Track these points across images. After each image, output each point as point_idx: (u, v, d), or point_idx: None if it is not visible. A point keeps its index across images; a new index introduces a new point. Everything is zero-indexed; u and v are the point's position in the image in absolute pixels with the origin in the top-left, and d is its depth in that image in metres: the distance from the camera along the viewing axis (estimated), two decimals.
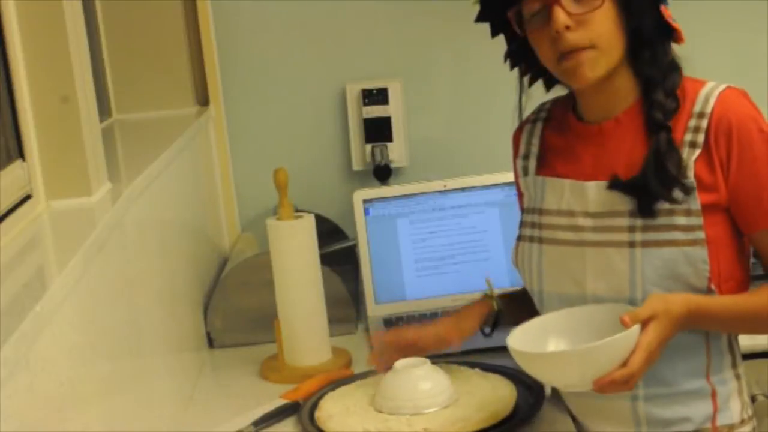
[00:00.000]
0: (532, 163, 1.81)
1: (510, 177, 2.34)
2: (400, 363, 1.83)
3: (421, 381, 1.80)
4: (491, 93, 2.72)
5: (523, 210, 1.85)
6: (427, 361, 1.84)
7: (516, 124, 1.85)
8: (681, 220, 1.62)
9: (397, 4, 2.70)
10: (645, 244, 1.64)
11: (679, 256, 1.63)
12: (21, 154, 1.58)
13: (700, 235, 1.62)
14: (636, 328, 1.54)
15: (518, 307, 1.88)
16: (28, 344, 1.13)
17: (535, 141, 1.81)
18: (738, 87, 1.67)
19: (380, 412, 1.79)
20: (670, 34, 1.65)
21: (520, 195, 1.87)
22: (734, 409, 1.70)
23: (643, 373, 1.56)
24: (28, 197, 1.56)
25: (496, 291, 1.93)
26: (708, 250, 1.62)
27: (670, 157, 1.62)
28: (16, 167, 1.55)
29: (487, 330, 1.90)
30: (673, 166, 1.62)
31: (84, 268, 1.37)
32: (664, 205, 1.63)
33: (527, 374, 1.77)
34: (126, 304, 1.64)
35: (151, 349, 1.78)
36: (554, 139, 1.79)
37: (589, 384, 1.54)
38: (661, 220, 1.63)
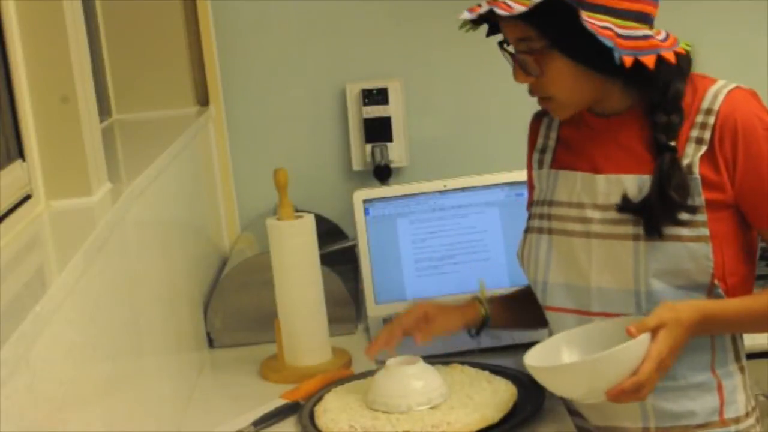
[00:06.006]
0: (548, 157, 1.82)
1: (510, 177, 2.37)
2: (392, 361, 1.84)
3: (413, 379, 1.80)
4: (491, 93, 2.72)
5: (531, 202, 1.86)
6: (420, 359, 1.84)
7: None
8: (685, 216, 1.64)
9: (397, 4, 2.70)
10: (650, 237, 1.66)
11: (683, 252, 1.64)
12: (21, 154, 1.58)
13: (704, 231, 1.64)
14: (644, 337, 1.55)
15: (507, 310, 1.93)
16: (28, 344, 1.13)
17: (553, 135, 1.83)
18: (747, 87, 1.68)
19: (374, 410, 1.79)
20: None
21: (531, 188, 1.88)
22: (740, 402, 1.72)
23: (655, 382, 1.57)
24: (28, 197, 1.56)
25: (488, 293, 1.95)
26: (712, 246, 1.64)
27: (674, 180, 1.63)
28: (16, 167, 1.55)
29: (473, 332, 1.93)
30: (676, 191, 1.63)
31: (84, 268, 1.37)
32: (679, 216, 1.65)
33: (528, 375, 1.78)
34: (126, 304, 1.64)
35: (151, 349, 1.78)
36: (569, 131, 1.80)
37: (602, 395, 1.55)
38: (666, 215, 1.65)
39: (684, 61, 1.67)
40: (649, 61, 1.60)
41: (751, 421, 1.73)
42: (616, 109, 1.71)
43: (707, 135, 1.64)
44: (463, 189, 2.38)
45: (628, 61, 1.58)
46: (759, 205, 1.65)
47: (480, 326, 1.93)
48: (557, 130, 1.82)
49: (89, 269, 1.40)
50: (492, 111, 2.73)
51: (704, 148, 1.64)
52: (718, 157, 1.63)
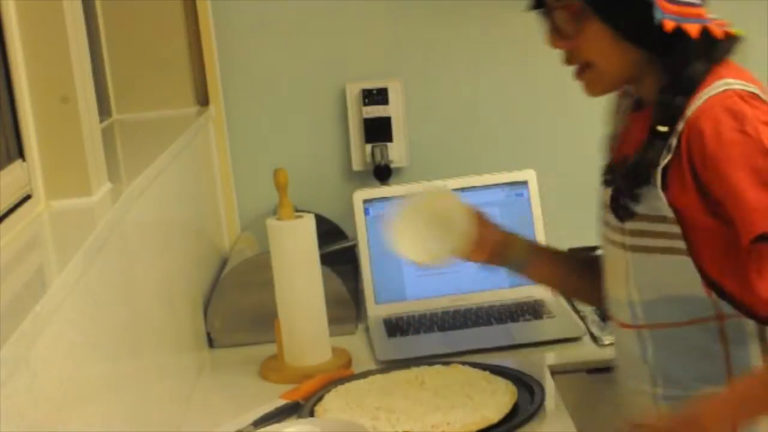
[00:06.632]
0: (609, 146, 1.74)
1: (510, 177, 2.37)
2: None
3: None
4: (491, 93, 2.72)
5: None
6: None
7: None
8: (660, 227, 1.57)
9: (397, 4, 2.69)
10: (633, 248, 1.61)
11: (666, 264, 1.58)
12: (21, 154, 1.58)
13: (680, 244, 1.55)
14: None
15: (551, 264, 1.86)
16: (28, 344, 1.13)
17: (620, 121, 1.73)
18: (742, 88, 1.55)
19: (377, 415, 1.79)
20: (681, 36, 1.53)
21: None
22: (763, 428, 1.56)
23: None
24: (28, 197, 1.56)
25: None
26: (697, 258, 1.55)
27: (645, 165, 1.55)
28: (16, 167, 1.55)
29: (512, 268, 1.85)
30: (637, 176, 1.55)
31: (84, 268, 1.37)
32: (643, 211, 1.57)
33: (529, 375, 1.79)
34: (126, 304, 1.64)
35: (151, 349, 1.78)
36: (625, 124, 1.71)
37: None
38: (644, 226, 1.59)
39: (725, 43, 1.58)
40: (693, 29, 1.52)
41: None
42: (648, 96, 1.62)
43: (674, 142, 1.54)
44: (463, 189, 2.38)
45: (669, 25, 1.50)
46: (733, 213, 1.50)
47: (516, 267, 1.84)
48: (624, 115, 1.72)
49: (89, 269, 1.40)
50: (492, 111, 2.72)
51: (669, 157, 1.54)
52: (684, 165, 1.53)
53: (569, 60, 1.63)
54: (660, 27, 1.51)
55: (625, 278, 1.64)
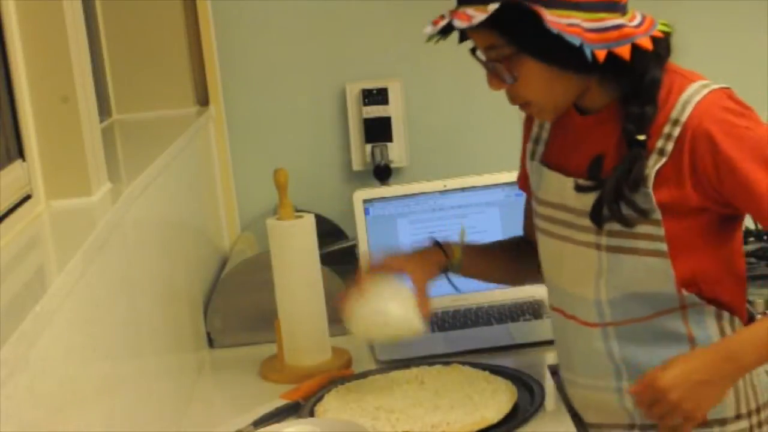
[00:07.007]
0: (540, 149, 1.79)
1: (510, 177, 2.36)
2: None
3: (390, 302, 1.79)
4: (491, 93, 2.70)
5: (527, 193, 1.86)
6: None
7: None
8: (643, 228, 1.60)
9: (397, 4, 2.70)
10: (610, 249, 1.63)
11: (640, 265, 1.61)
12: (21, 154, 1.58)
13: (662, 246, 1.59)
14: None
15: (479, 259, 1.91)
16: (28, 344, 1.13)
17: (547, 126, 1.78)
18: (722, 87, 1.60)
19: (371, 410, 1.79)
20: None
21: (525, 177, 1.85)
22: (727, 403, 1.65)
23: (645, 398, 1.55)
24: (28, 197, 1.56)
25: (466, 243, 1.90)
26: (676, 257, 1.59)
27: (633, 176, 1.57)
28: (16, 167, 1.55)
29: (445, 275, 1.89)
30: (631, 188, 1.57)
31: (84, 268, 1.37)
32: (627, 213, 1.59)
33: (529, 375, 1.79)
34: (126, 304, 1.64)
35: (151, 349, 1.78)
36: (558, 128, 1.76)
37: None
38: (624, 227, 1.61)
39: (662, 45, 1.60)
40: (624, 51, 1.54)
41: (742, 425, 1.67)
42: (597, 104, 1.66)
43: (669, 146, 1.57)
44: (463, 189, 2.38)
45: (601, 55, 1.53)
46: (751, 204, 1.58)
47: (450, 270, 1.89)
48: (551, 123, 1.77)
49: (89, 269, 1.40)
50: (492, 111, 2.72)
51: (664, 160, 1.57)
52: (684, 165, 1.57)
53: (513, 99, 1.67)
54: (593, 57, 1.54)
55: (595, 277, 1.66)
